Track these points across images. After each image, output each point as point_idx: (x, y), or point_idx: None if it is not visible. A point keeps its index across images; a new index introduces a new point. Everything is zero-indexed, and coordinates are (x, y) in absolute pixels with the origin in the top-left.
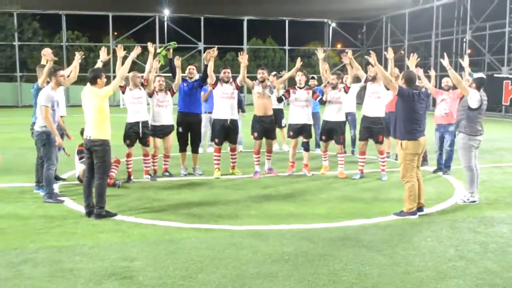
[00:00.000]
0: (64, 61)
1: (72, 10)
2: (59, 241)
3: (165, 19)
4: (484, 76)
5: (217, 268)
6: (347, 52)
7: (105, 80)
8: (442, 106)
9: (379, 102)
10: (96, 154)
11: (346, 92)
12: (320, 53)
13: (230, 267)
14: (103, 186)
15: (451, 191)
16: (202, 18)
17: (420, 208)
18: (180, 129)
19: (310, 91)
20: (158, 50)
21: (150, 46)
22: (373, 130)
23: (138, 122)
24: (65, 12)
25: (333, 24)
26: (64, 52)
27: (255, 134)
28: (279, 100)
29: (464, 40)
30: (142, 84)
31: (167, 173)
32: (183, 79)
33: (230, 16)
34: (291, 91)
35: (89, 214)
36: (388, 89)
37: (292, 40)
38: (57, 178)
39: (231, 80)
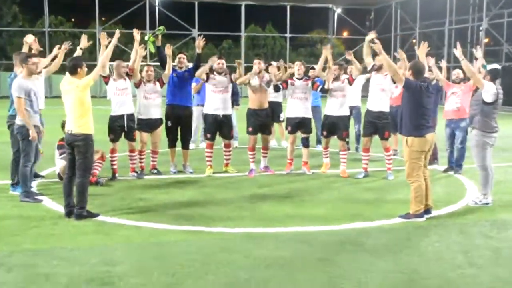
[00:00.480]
0: (46, 48)
1: None
2: (35, 243)
3: (156, 3)
4: (499, 67)
5: (206, 274)
6: (350, 53)
7: (85, 69)
8: (453, 99)
9: (383, 94)
10: (78, 149)
11: (350, 83)
12: (327, 51)
13: (220, 272)
14: (85, 185)
15: (462, 192)
16: (196, 2)
17: (427, 210)
18: (169, 123)
19: (309, 82)
20: (146, 37)
21: (135, 32)
22: (378, 125)
23: (123, 115)
24: None
25: (339, 10)
26: (47, 38)
27: (250, 129)
28: (276, 88)
29: (480, 28)
30: (128, 74)
31: (155, 171)
32: (173, 69)
33: (227, 0)
34: (289, 81)
35: (68, 214)
36: (394, 82)
37: (294, 27)
38: (36, 176)
39: (226, 71)
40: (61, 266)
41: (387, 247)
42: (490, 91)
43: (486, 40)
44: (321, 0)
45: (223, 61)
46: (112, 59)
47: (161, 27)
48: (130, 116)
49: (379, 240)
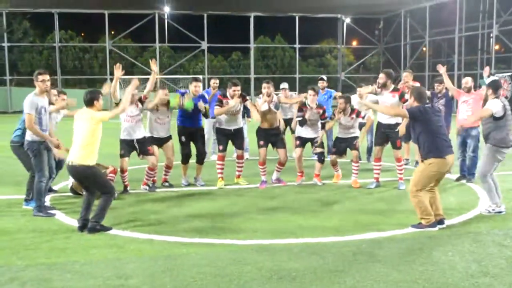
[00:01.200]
0: (57, 63)
1: (65, 8)
2: (49, 257)
3: (166, 16)
4: (497, 78)
5: (218, 286)
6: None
7: (102, 102)
8: (464, 108)
9: None
10: (88, 182)
11: (358, 116)
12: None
13: (232, 285)
14: (108, 202)
15: (475, 201)
16: (205, 15)
17: (440, 221)
18: (183, 138)
19: (321, 111)
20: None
21: (153, 64)
22: (390, 134)
23: (132, 140)
24: (58, 10)
25: (348, 20)
26: (57, 53)
27: (261, 142)
28: (302, 123)
29: (491, 35)
30: (140, 101)
31: (166, 183)
32: (184, 94)
33: (236, 12)
34: (303, 110)
35: (82, 228)
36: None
37: (303, 37)
38: (50, 190)
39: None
40: (74, 279)
41: (400, 257)
42: (497, 106)
43: (496, 47)
44: (330, 10)
45: (238, 87)
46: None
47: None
48: (140, 140)
49: (391, 250)
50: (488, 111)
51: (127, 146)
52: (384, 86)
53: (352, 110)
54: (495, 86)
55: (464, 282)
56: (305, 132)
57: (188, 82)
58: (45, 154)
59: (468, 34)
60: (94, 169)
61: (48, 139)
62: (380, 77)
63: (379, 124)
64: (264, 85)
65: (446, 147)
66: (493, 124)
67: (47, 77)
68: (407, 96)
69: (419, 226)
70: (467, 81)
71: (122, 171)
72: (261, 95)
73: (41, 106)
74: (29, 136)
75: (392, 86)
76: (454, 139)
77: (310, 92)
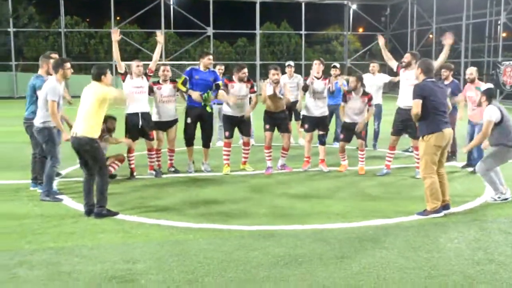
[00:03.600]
0: (62, 49)
1: None
2: (56, 242)
3: (171, 2)
4: (492, 86)
5: (225, 271)
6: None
7: (110, 77)
8: (470, 105)
9: None
10: (87, 154)
11: (369, 101)
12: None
13: (239, 270)
14: (104, 184)
15: (480, 189)
16: (211, 0)
17: (446, 206)
18: (189, 120)
19: (327, 81)
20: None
21: (159, 35)
22: (409, 124)
23: (137, 113)
24: None
25: (354, 6)
26: (63, 38)
27: (267, 126)
28: (305, 88)
29: (499, 22)
30: (146, 74)
31: (172, 169)
32: (196, 70)
33: None
34: (308, 80)
35: (88, 213)
36: None
37: (309, 24)
38: (57, 174)
39: (245, 79)
40: (82, 263)
41: (406, 244)
42: (494, 112)
43: (504, 35)
44: None
45: (245, 70)
46: (129, 58)
47: (206, 95)
48: (145, 115)
49: (397, 237)
50: (491, 123)
51: (133, 126)
52: (408, 65)
53: (365, 93)
54: (489, 94)
55: (470, 269)
56: (311, 109)
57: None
58: (58, 139)
59: (476, 21)
60: (96, 144)
61: (61, 130)
62: (406, 57)
63: (398, 110)
64: (273, 71)
65: (444, 123)
66: (496, 130)
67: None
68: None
69: (424, 213)
70: (472, 72)
71: (130, 151)
72: (267, 80)
73: (61, 93)
74: (39, 123)
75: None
76: (462, 127)
77: (316, 62)
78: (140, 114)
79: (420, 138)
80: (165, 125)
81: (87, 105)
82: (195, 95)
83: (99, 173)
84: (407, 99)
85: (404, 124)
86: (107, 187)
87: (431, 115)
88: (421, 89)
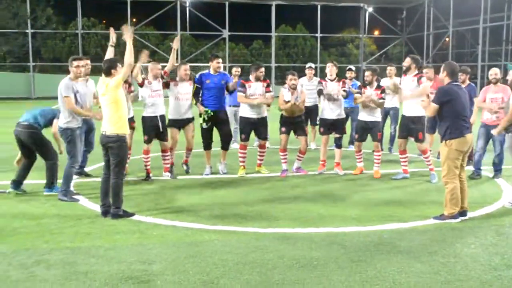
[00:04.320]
0: (79, 50)
1: None
2: (73, 242)
3: (187, 4)
4: None
5: (240, 273)
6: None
7: (121, 71)
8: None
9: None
10: (111, 151)
11: (383, 93)
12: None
13: (254, 272)
14: (119, 185)
15: (497, 194)
16: (226, 3)
17: (463, 212)
18: (204, 125)
19: (341, 83)
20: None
21: (175, 42)
22: (411, 127)
23: (156, 117)
24: None
25: (370, 9)
26: (80, 40)
27: (283, 129)
28: (319, 92)
29: None
30: (162, 76)
31: (185, 166)
32: (206, 75)
33: (257, 1)
34: (322, 83)
35: (105, 213)
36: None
37: (325, 27)
38: (85, 174)
39: (262, 78)
40: (99, 264)
41: (422, 248)
42: None
43: None
44: None
45: (263, 68)
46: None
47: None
48: (162, 117)
49: (413, 242)
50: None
51: (152, 127)
52: (408, 69)
53: (379, 86)
54: None
55: (487, 274)
56: (326, 112)
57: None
58: (79, 141)
59: (493, 24)
60: (124, 144)
61: (88, 114)
62: (406, 61)
63: (402, 117)
64: (291, 77)
65: (466, 128)
66: None
67: (81, 62)
68: (423, 79)
69: (441, 218)
70: (496, 72)
71: (146, 153)
72: (286, 86)
73: (76, 90)
74: (62, 123)
75: (416, 71)
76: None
77: (329, 64)
78: (159, 117)
79: (443, 143)
80: (181, 123)
81: (107, 102)
82: (201, 109)
83: (115, 173)
84: (410, 107)
85: (407, 129)
86: (122, 188)
87: (454, 120)
88: (445, 92)
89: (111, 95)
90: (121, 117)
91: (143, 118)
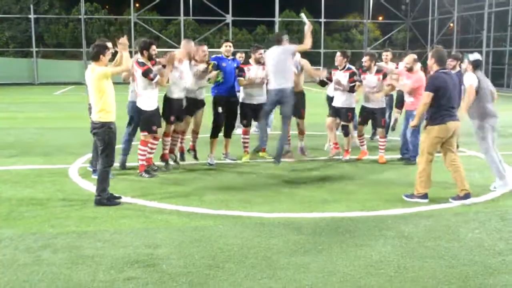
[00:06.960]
0: (82, 35)
1: None
2: (79, 226)
3: None
4: (480, 58)
5: (245, 257)
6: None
7: (109, 57)
8: None
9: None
10: (97, 137)
11: (384, 78)
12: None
13: (259, 257)
14: (104, 173)
15: None
16: None
17: (466, 195)
18: (220, 109)
19: (349, 73)
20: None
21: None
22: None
23: (182, 99)
24: None
25: None
26: (83, 25)
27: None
28: (322, 84)
29: None
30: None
31: (192, 152)
32: (219, 58)
33: None
34: (332, 72)
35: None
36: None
37: (329, 12)
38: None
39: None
40: (105, 248)
41: (426, 233)
42: (472, 78)
43: None
44: None
45: (262, 50)
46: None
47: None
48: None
49: (417, 227)
50: (472, 88)
51: (178, 107)
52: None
53: (379, 71)
54: (475, 64)
55: (491, 259)
56: (334, 100)
57: (209, 55)
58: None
59: (498, 9)
60: (109, 130)
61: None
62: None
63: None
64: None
65: (449, 116)
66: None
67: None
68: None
69: (411, 196)
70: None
71: (167, 135)
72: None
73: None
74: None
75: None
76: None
77: (337, 53)
78: (184, 99)
79: (424, 127)
80: (195, 105)
81: (92, 89)
82: (213, 73)
83: (102, 159)
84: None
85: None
86: (107, 176)
87: (437, 109)
88: (434, 80)
89: (95, 82)
90: (105, 104)
91: (169, 99)
